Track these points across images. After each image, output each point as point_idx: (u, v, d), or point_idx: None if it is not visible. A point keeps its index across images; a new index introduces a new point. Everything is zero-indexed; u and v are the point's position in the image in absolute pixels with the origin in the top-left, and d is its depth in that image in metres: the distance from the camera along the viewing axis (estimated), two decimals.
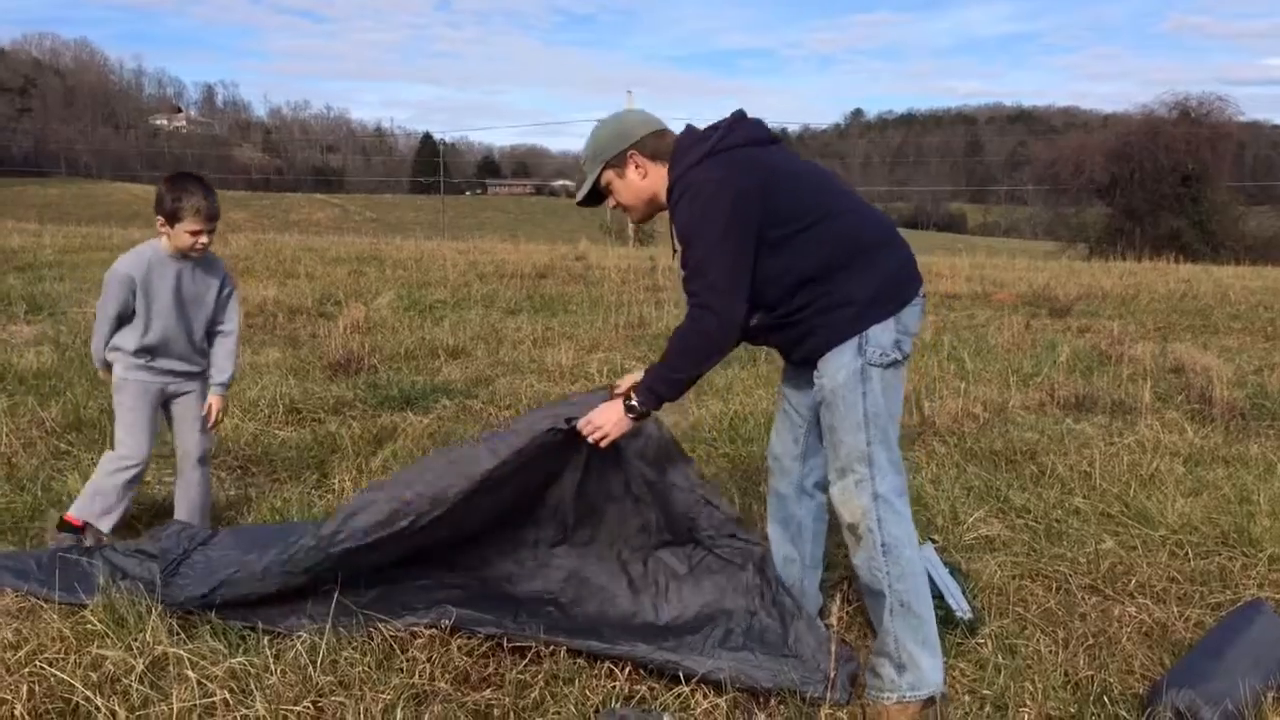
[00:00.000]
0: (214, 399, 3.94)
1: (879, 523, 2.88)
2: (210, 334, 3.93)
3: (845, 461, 2.91)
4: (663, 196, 2.98)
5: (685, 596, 3.26)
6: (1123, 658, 3.14)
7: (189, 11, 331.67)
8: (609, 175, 3.05)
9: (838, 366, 2.85)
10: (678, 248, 2.88)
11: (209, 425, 3.96)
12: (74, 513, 3.75)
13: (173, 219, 3.62)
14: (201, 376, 3.93)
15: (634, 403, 2.92)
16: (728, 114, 2.99)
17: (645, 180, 3.00)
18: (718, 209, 2.76)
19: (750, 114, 2.97)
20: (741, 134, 2.90)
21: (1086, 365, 7.89)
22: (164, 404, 3.89)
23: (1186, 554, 3.95)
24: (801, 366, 3.04)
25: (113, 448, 3.80)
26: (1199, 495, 4.65)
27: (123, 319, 3.74)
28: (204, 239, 3.67)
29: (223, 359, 3.93)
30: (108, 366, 3.84)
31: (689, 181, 2.83)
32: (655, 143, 2.98)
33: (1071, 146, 46.14)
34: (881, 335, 2.83)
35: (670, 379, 2.90)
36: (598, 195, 3.14)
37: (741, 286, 2.80)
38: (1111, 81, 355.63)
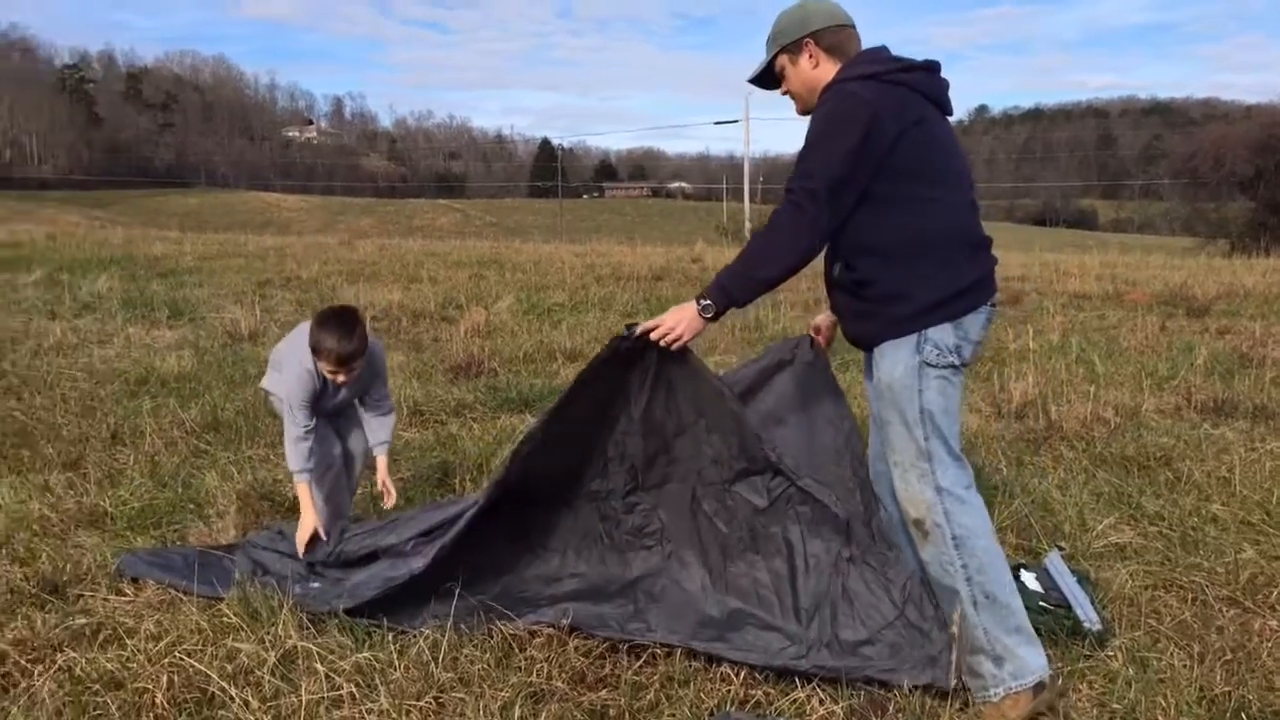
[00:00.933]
0: (380, 460, 3.99)
1: (946, 515, 2.83)
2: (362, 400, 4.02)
3: (903, 456, 2.88)
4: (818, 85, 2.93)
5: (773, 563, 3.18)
6: (1263, 674, 3.00)
7: (321, 26, 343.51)
8: (783, 60, 3.00)
9: (895, 361, 2.83)
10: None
11: (385, 493, 3.97)
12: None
13: (314, 351, 3.65)
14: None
15: (707, 301, 2.84)
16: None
17: (816, 70, 2.95)
18: (854, 125, 2.70)
19: None
20: (919, 79, 2.84)
21: (1226, 368, 7.54)
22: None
23: None
24: (865, 354, 3.00)
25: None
26: None
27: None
28: (341, 377, 3.70)
29: (378, 427, 4.01)
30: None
31: (844, 89, 2.79)
32: (833, 37, 2.94)
33: (1211, 138, 44.30)
34: (942, 336, 2.80)
35: (746, 276, 2.82)
36: (771, 79, 3.09)
37: (840, 204, 2.74)
38: (1255, 72, 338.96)
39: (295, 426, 3.71)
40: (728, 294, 2.83)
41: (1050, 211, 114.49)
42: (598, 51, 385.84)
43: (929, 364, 2.80)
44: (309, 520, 3.69)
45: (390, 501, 3.94)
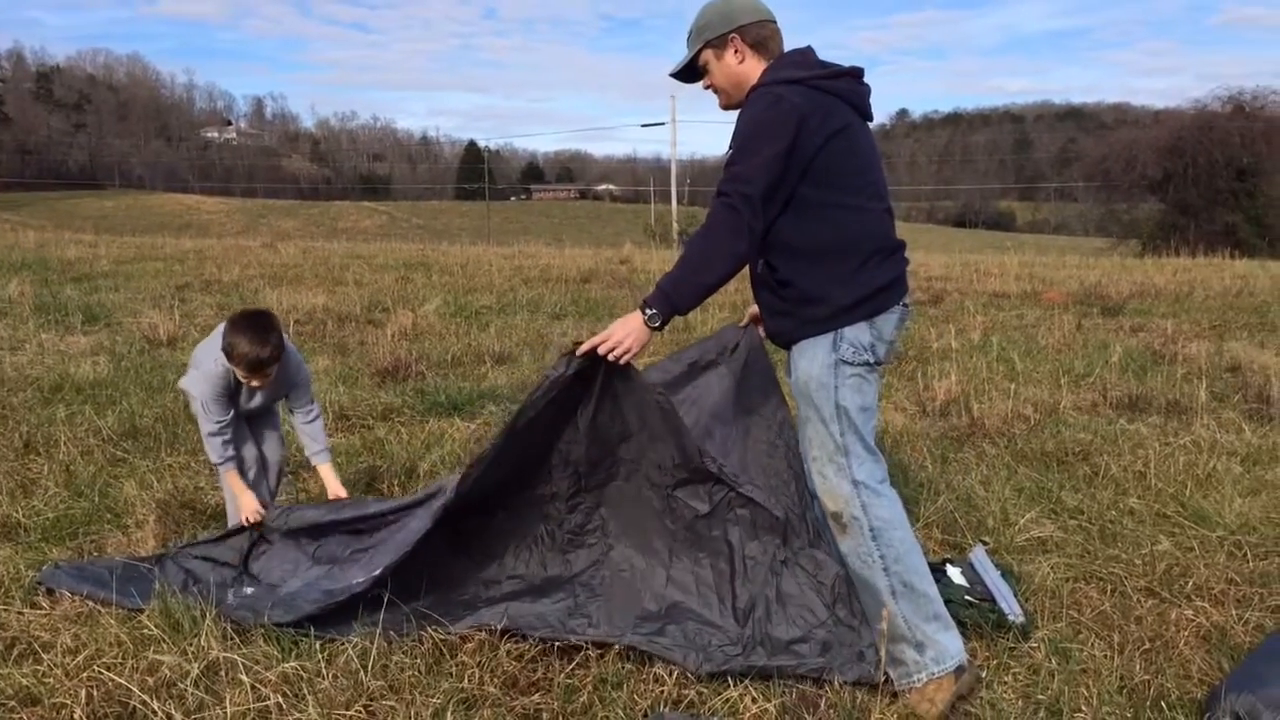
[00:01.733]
0: (325, 470, 3.97)
1: (864, 508, 2.89)
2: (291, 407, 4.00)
3: (820, 451, 2.94)
4: (747, 84, 2.98)
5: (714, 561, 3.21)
6: (1180, 662, 3.08)
7: (240, 25, 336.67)
8: (708, 55, 3.03)
9: (812, 359, 2.90)
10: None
11: (340, 495, 3.92)
12: None
13: (228, 357, 3.60)
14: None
15: (653, 311, 2.79)
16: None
17: (742, 66, 2.99)
18: (784, 130, 2.75)
19: None
20: (845, 86, 2.90)
21: (1140, 365, 7.75)
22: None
23: (1245, 555, 3.87)
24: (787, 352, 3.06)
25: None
26: (1257, 495, 4.56)
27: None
28: (255, 383, 3.70)
29: (310, 437, 3.97)
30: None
31: (772, 92, 2.82)
32: (758, 32, 2.98)
33: (1123, 142, 45.45)
34: (858, 335, 2.87)
35: (688, 281, 2.81)
36: (693, 73, 3.11)
37: (769, 208, 2.80)
38: (1164, 77, 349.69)
39: (208, 422, 3.70)
40: (672, 301, 2.80)
41: (970, 213, 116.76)
42: (524, 53, 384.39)
43: (845, 362, 2.86)
44: (247, 501, 3.74)
45: (340, 496, 3.91)
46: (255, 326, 3.58)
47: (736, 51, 2.98)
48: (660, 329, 2.85)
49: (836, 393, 2.88)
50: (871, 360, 2.89)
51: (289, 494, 4.46)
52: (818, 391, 2.89)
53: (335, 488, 3.92)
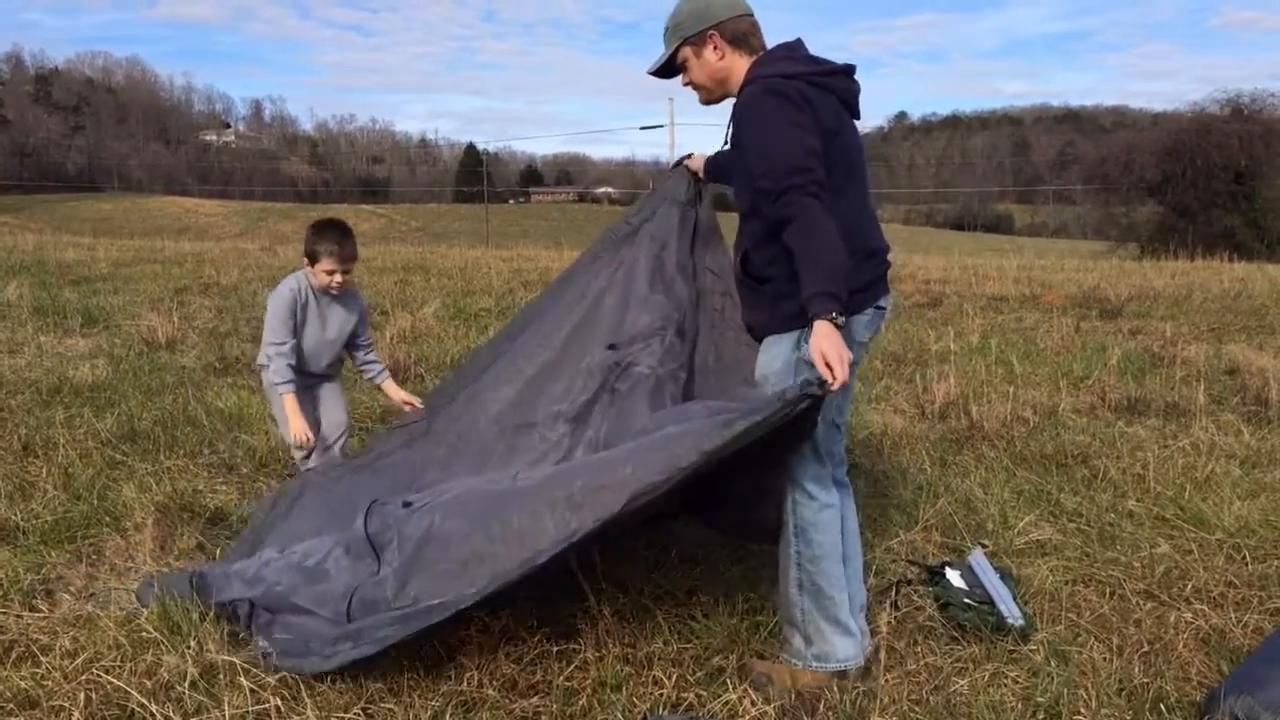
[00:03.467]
0: (390, 386, 4.57)
1: (793, 506, 2.96)
2: (351, 345, 4.51)
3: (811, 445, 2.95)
4: (735, 85, 2.98)
5: None
6: (1179, 665, 3.09)
7: (240, 28, 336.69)
8: (686, 52, 3.04)
9: (774, 355, 2.94)
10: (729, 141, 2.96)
11: (410, 405, 4.39)
12: None
13: (312, 260, 4.17)
14: (336, 376, 4.56)
15: (834, 313, 2.62)
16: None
17: (722, 62, 3.00)
18: (785, 115, 2.75)
19: None
20: (840, 84, 2.92)
21: (1138, 368, 7.76)
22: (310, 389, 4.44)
23: (1244, 558, 3.87)
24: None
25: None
26: (1256, 498, 4.56)
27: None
28: (338, 278, 4.18)
29: (371, 367, 4.59)
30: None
31: (774, 84, 2.80)
32: (736, 26, 2.98)
33: (1121, 145, 45.50)
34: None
35: (833, 274, 2.67)
36: (671, 69, 3.12)
37: (818, 162, 2.74)
38: (1163, 80, 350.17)
39: (272, 342, 4.16)
40: (839, 298, 2.66)
41: (968, 216, 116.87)
42: (523, 56, 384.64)
43: (807, 361, 2.75)
44: (297, 424, 4.14)
45: (417, 407, 4.31)
46: (337, 225, 4.23)
47: (716, 48, 2.98)
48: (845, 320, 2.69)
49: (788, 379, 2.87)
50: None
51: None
52: (774, 386, 2.87)
53: (402, 395, 4.47)
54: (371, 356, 4.60)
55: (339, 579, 3.12)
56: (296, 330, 4.23)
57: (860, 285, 2.88)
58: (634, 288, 3.88)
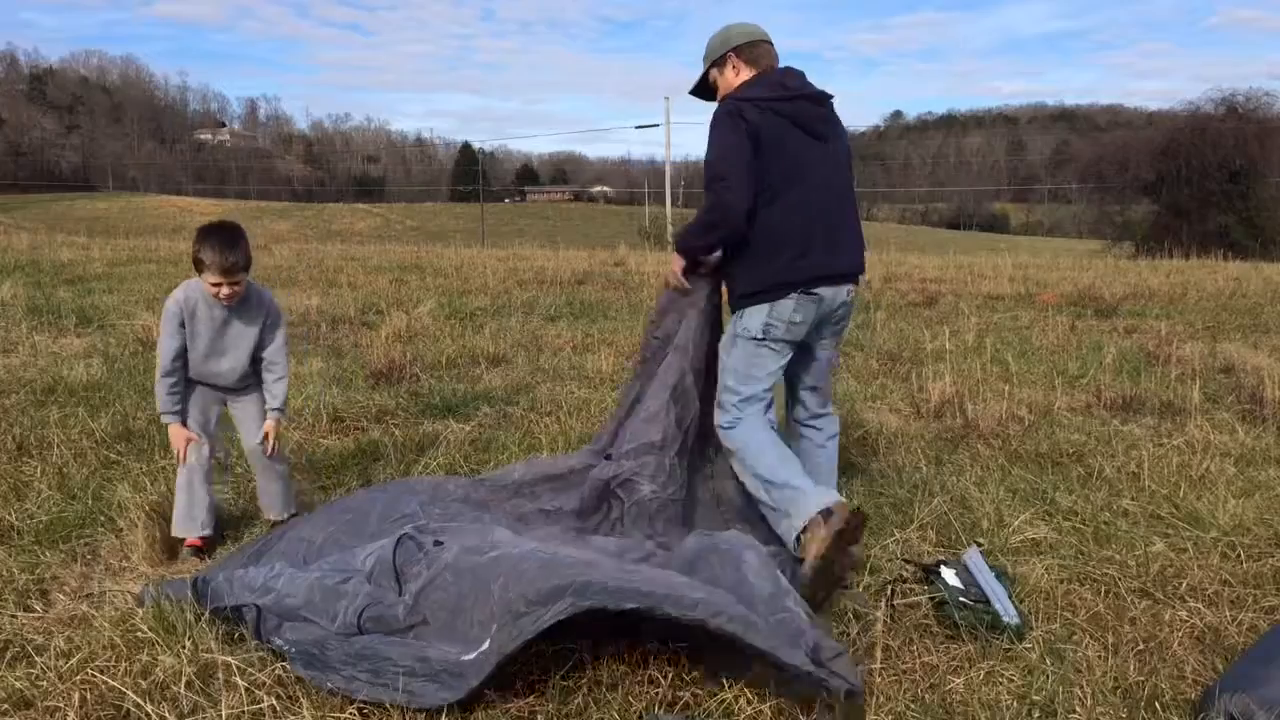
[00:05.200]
0: (269, 423, 4.10)
1: (727, 435, 3.85)
2: (256, 362, 4.09)
3: (718, 393, 3.89)
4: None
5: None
6: (1174, 663, 3.09)
7: (236, 27, 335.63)
8: (714, 73, 3.82)
9: (728, 329, 3.90)
10: None
11: (269, 451, 4.10)
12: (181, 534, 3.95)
13: (197, 269, 3.79)
14: (256, 387, 4.13)
15: (679, 252, 3.92)
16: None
17: (739, 78, 3.74)
18: (727, 131, 3.55)
19: None
20: (795, 109, 3.63)
21: (1133, 366, 7.77)
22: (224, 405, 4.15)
23: (1239, 556, 3.88)
24: None
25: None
26: (1251, 496, 4.57)
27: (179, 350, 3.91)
28: (225, 290, 3.79)
29: (273, 386, 4.09)
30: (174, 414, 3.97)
31: (728, 105, 3.60)
32: (751, 51, 3.73)
33: (1116, 144, 45.57)
34: (751, 317, 3.73)
35: (692, 234, 3.81)
36: (708, 90, 3.90)
37: (746, 187, 3.55)
38: (1159, 79, 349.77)
39: (160, 359, 3.86)
40: (684, 242, 3.93)
41: (964, 215, 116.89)
42: (520, 54, 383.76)
43: (738, 335, 3.79)
44: (177, 438, 3.92)
45: (269, 449, 4.08)
46: (223, 229, 3.80)
47: (734, 68, 3.75)
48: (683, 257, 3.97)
49: (730, 356, 3.84)
50: (761, 336, 3.72)
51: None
52: (721, 351, 3.91)
53: (271, 429, 4.08)
54: (272, 380, 4.07)
55: (355, 600, 3.11)
56: (185, 345, 3.88)
57: (788, 279, 3.65)
58: (645, 400, 4.05)
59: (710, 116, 3.65)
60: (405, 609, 3.02)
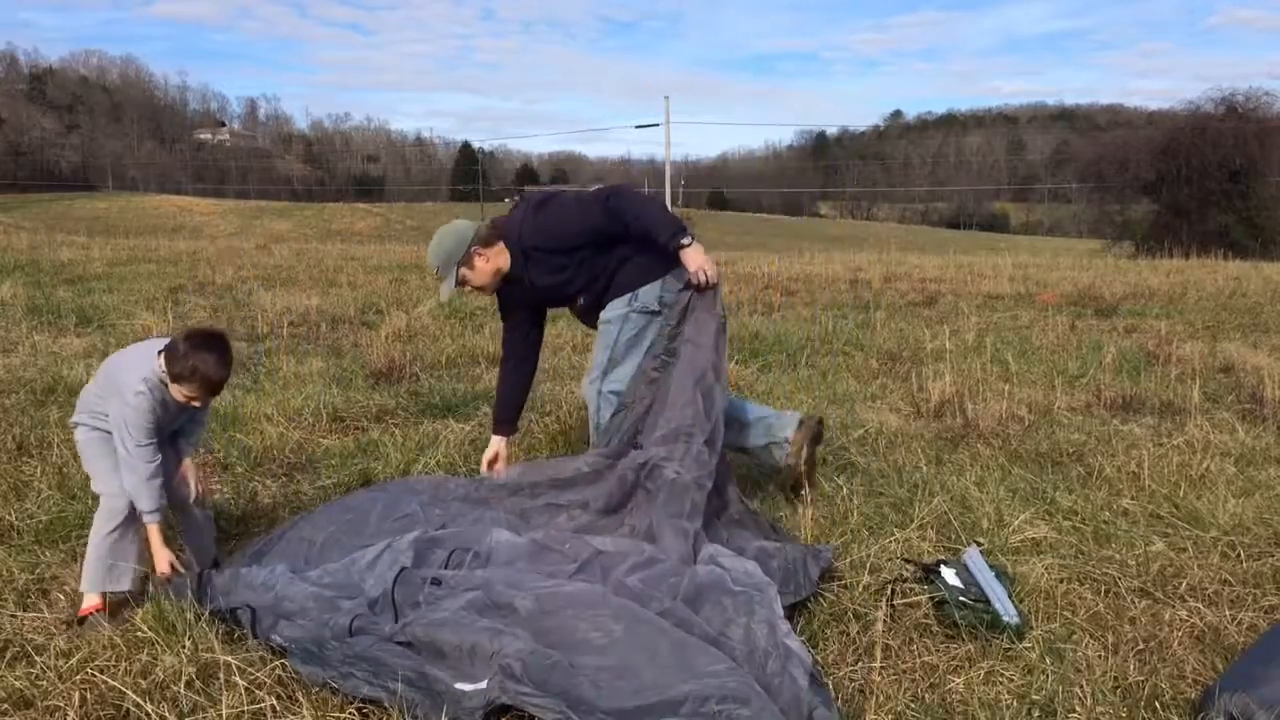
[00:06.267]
0: (186, 465, 3.69)
1: (597, 410, 4.28)
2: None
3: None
4: (507, 266, 4.23)
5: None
6: (1174, 662, 3.09)
7: (236, 27, 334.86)
8: (463, 271, 4.19)
9: (615, 307, 4.31)
10: (542, 282, 4.27)
11: (193, 496, 3.69)
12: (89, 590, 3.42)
13: (178, 378, 3.35)
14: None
15: (690, 238, 4.10)
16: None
17: (489, 263, 4.20)
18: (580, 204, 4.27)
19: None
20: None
21: (1133, 366, 7.77)
22: None
23: (1239, 556, 3.88)
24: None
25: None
26: (1251, 496, 4.57)
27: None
28: (198, 403, 3.46)
29: (189, 433, 3.74)
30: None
31: (560, 207, 4.28)
32: (485, 233, 4.21)
33: (1116, 144, 45.53)
34: (649, 294, 4.24)
35: (669, 218, 4.18)
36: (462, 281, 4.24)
37: None
38: (1160, 78, 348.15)
39: (143, 463, 3.35)
40: (684, 229, 4.14)
41: (963, 215, 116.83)
42: (520, 54, 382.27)
43: (644, 310, 4.24)
44: (162, 556, 3.41)
45: (189, 491, 3.63)
46: (222, 346, 3.39)
47: (481, 255, 4.20)
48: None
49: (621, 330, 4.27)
50: (657, 309, 4.22)
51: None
52: (613, 327, 4.27)
53: (189, 479, 3.64)
54: (197, 425, 3.77)
55: (349, 615, 3.13)
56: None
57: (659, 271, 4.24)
58: (669, 391, 4.06)
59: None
60: (398, 631, 3.04)
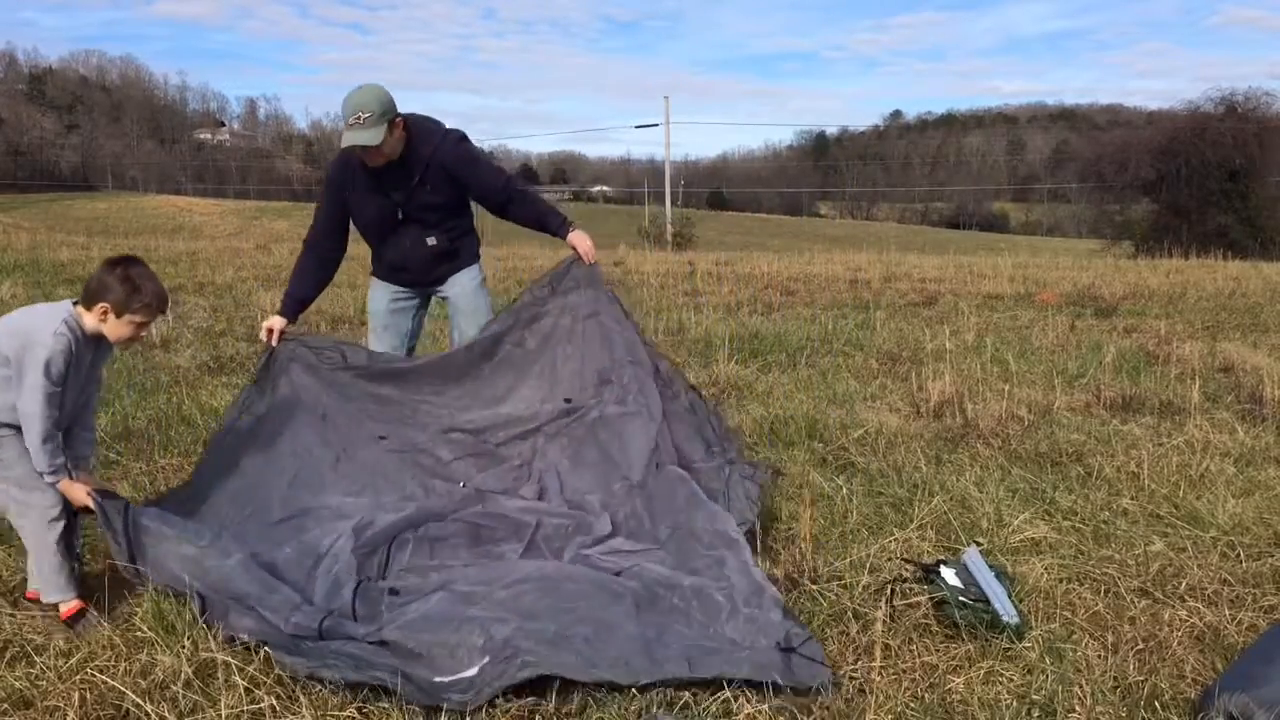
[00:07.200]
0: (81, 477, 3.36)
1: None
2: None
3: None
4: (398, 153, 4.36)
5: None
6: (1173, 662, 3.09)
7: (237, 26, 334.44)
8: (384, 132, 4.22)
9: (471, 277, 4.81)
10: (421, 200, 4.48)
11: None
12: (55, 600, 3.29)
13: (124, 307, 3.26)
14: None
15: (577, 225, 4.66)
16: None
17: (397, 139, 4.32)
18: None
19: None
20: None
21: (1133, 366, 7.77)
22: None
23: (1238, 555, 3.88)
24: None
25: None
26: (1250, 495, 4.57)
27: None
28: (144, 332, 3.39)
29: (84, 444, 3.51)
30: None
31: (482, 155, 4.66)
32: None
33: (1116, 143, 45.48)
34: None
35: (555, 208, 4.69)
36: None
37: None
38: (1160, 78, 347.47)
39: (47, 419, 3.14)
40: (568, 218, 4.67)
41: (963, 215, 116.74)
42: (521, 54, 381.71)
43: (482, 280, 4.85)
44: (78, 490, 3.22)
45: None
46: (144, 263, 3.37)
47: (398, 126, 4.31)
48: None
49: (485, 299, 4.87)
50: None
51: None
52: (472, 296, 4.78)
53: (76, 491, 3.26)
54: (87, 431, 3.53)
55: (313, 617, 3.16)
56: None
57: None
58: (594, 354, 4.57)
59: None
60: (372, 633, 3.10)
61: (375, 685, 2.79)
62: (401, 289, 4.75)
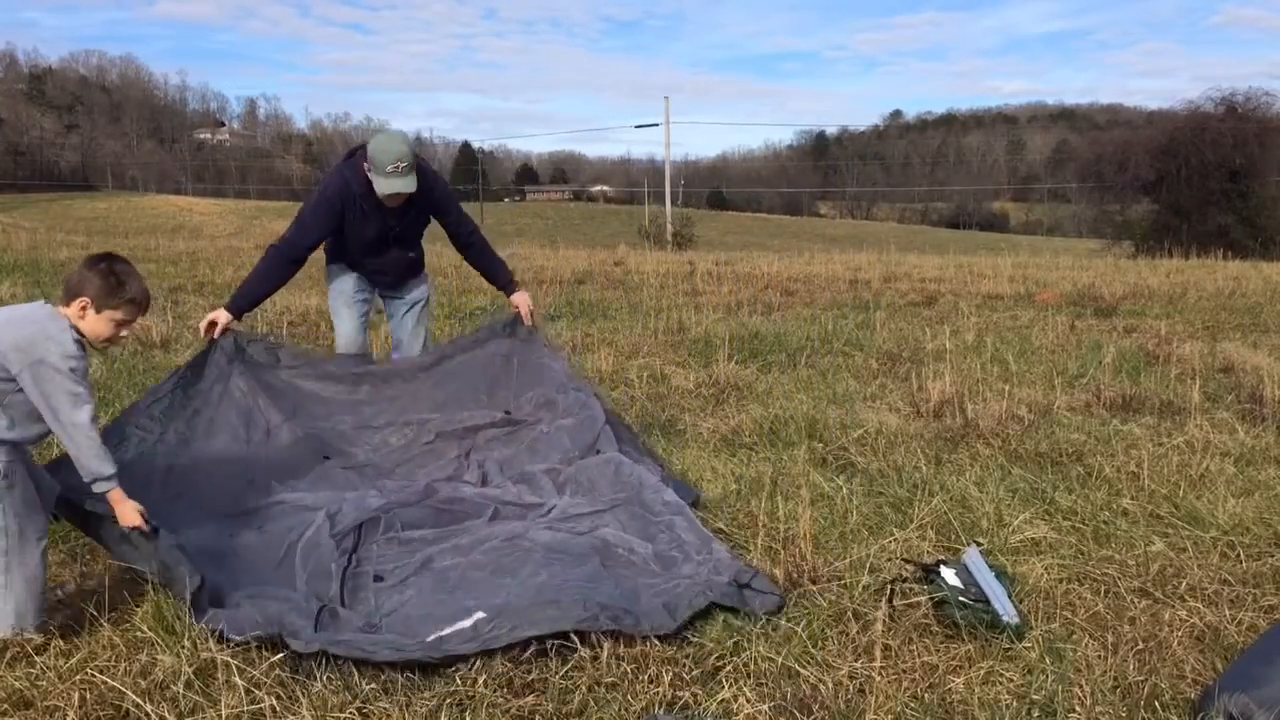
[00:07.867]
0: None
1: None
2: None
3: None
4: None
5: None
6: (1173, 662, 3.09)
7: (238, 26, 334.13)
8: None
9: (424, 287, 5.43)
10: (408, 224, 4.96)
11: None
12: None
13: (105, 302, 3.10)
14: None
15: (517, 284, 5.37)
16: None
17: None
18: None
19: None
20: None
21: (1133, 366, 7.77)
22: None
23: (1239, 556, 3.88)
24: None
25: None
26: (1251, 495, 4.57)
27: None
28: (125, 332, 3.22)
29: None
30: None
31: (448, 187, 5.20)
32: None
33: (1116, 143, 45.46)
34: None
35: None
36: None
37: None
38: (1161, 78, 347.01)
39: (89, 415, 3.02)
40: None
41: (963, 214, 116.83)
42: (521, 53, 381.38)
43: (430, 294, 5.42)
44: (129, 508, 3.14)
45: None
46: (128, 261, 3.21)
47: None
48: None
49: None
50: None
51: None
52: (421, 294, 5.37)
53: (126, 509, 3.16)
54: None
55: (306, 614, 3.21)
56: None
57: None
58: (532, 380, 5.00)
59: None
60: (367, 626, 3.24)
61: (375, 680, 2.79)
62: (366, 281, 5.16)
